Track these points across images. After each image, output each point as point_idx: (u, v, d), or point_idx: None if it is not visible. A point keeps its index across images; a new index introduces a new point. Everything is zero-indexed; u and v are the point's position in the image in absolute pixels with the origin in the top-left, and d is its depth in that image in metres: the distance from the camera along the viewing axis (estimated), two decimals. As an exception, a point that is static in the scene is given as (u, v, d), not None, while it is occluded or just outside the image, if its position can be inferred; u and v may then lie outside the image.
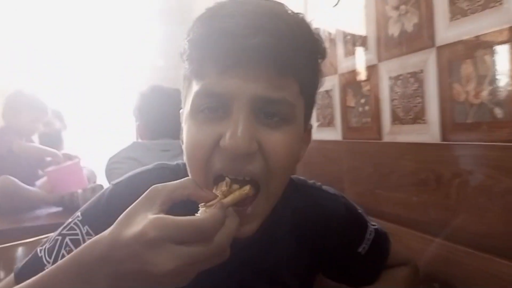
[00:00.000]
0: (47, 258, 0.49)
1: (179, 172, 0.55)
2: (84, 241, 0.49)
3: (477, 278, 0.68)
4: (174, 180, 0.48)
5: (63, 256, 0.48)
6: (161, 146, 1.28)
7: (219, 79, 0.41)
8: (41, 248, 0.51)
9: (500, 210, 0.64)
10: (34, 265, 0.49)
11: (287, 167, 0.45)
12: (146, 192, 0.39)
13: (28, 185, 1.74)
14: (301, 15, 0.46)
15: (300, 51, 0.43)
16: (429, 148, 0.78)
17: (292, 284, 0.58)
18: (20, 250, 0.86)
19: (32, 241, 0.89)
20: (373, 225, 0.65)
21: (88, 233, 0.49)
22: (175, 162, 0.58)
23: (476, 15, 0.67)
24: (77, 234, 0.50)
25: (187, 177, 0.43)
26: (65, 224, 0.52)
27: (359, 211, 0.65)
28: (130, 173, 0.55)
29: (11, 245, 0.88)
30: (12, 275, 0.51)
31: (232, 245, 0.44)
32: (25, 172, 1.79)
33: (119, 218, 0.37)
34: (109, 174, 1.32)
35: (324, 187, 0.64)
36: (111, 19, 2.55)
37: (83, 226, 0.50)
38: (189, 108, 0.45)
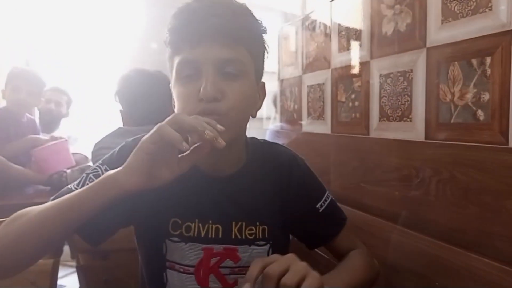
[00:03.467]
0: (76, 187, 0.64)
1: None
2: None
3: (451, 271, 0.71)
4: None
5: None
6: (147, 131, 1.25)
7: (191, 52, 0.59)
8: (71, 184, 0.66)
9: (475, 207, 0.68)
10: (66, 194, 0.63)
11: (243, 105, 0.61)
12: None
13: (23, 166, 1.74)
14: (244, 4, 0.64)
15: (244, 27, 0.61)
16: (413, 145, 0.81)
17: (267, 223, 0.69)
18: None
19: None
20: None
21: (106, 170, 0.65)
22: None
23: (467, 19, 0.69)
24: (98, 171, 0.66)
25: None
26: (89, 169, 0.67)
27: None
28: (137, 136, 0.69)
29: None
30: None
31: (216, 180, 0.67)
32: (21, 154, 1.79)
33: None
34: (95, 161, 1.30)
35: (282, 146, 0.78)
36: (102, 2, 2.52)
37: (103, 166, 0.67)
38: (175, 76, 0.62)
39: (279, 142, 0.80)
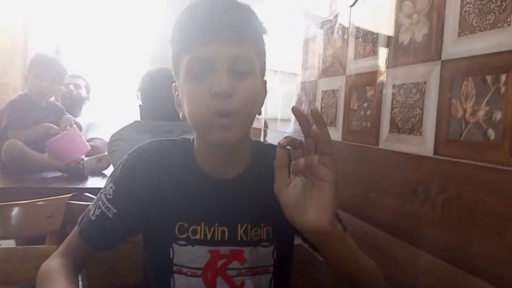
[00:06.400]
0: (92, 208, 0.70)
1: (176, 145, 0.72)
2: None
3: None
4: (172, 152, 0.71)
5: None
6: (163, 127, 1.28)
7: (203, 49, 0.60)
8: (90, 206, 0.71)
9: (480, 229, 0.65)
10: (87, 218, 0.71)
11: (252, 103, 0.63)
12: None
13: (42, 152, 1.79)
14: (247, 5, 0.65)
15: (252, 25, 0.64)
16: (421, 160, 0.78)
17: (271, 224, 0.70)
18: (15, 210, 0.90)
19: (28, 202, 0.92)
20: None
21: (112, 188, 0.69)
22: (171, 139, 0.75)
23: (484, 33, 0.66)
24: (106, 189, 0.69)
25: None
26: (102, 189, 0.71)
27: None
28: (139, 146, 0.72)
29: (7, 204, 0.91)
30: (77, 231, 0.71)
31: (221, 182, 0.68)
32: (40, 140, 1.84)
33: None
34: (111, 152, 1.34)
35: None
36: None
37: (109, 185, 0.70)
38: (184, 74, 0.62)
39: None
